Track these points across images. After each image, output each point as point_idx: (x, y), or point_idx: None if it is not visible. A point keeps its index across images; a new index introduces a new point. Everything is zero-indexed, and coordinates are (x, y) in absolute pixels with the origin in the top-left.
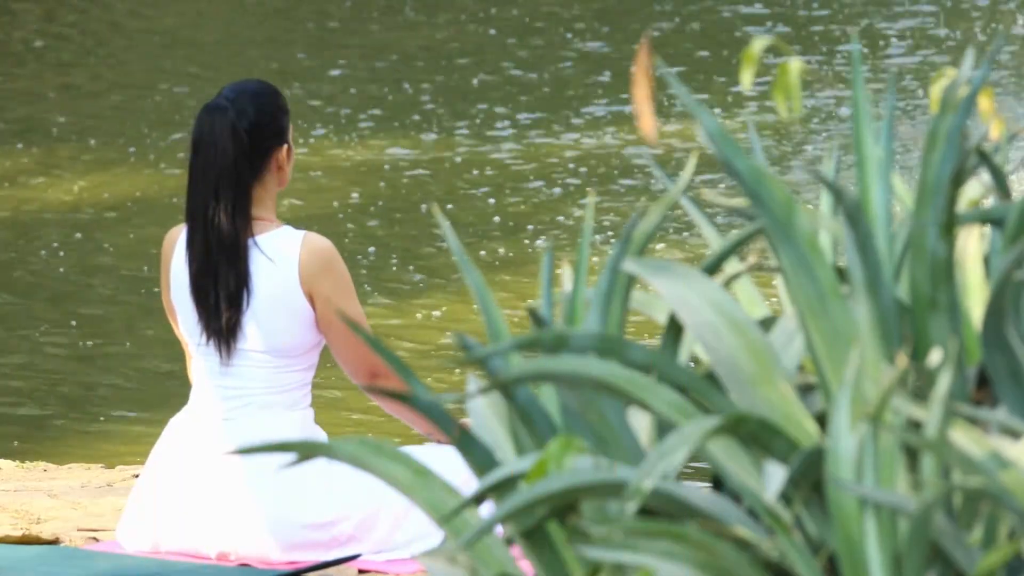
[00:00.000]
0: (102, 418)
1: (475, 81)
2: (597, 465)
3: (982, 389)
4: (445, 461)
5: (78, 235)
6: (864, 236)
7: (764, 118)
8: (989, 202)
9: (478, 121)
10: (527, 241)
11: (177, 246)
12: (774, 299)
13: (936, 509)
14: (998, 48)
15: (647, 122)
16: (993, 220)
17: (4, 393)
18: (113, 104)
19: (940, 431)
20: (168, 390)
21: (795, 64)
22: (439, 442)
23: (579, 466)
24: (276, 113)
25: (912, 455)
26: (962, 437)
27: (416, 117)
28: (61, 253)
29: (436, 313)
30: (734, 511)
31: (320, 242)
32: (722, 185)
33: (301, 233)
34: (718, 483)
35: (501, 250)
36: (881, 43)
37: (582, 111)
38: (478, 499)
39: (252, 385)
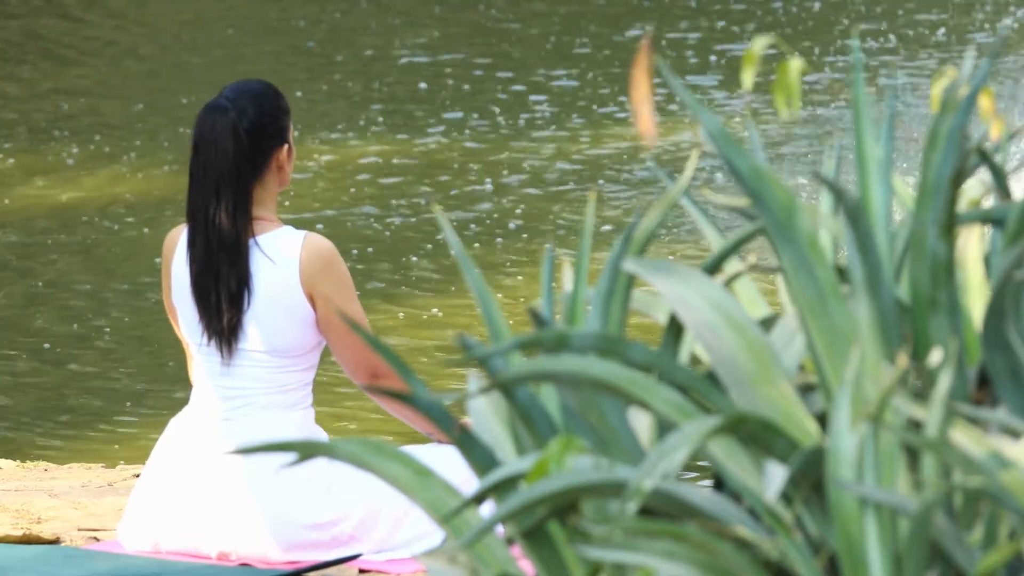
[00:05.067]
0: (103, 418)
1: (476, 80)
2: (597, 465)
3: (982, 389)
4: (446, 461)
5: (78, 235)
6: (864, 236)
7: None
8: (989, 202)
9: (478, 120)
10: (527, 241)
11: (178, 246)
12: (769, 285)
13: (936, 509)
14: (997, 48)
15: (645, 122)
16: (993, 220)
17: (5, 392)
18: (112, 105)
19: (940, 431)
20: (169, 390)
21: (795, 63)
22: (440, 442)
23: (579, 466)
24: (277, 113)
25: (912, 455)
26: (962, 437)
27: (416, 115)
28: (69, 253)
29: (436, 313)
30: (734, 511)
31: (321, 242)
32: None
33: (302, 233)
34: (718, 483)
35: (501, 250)
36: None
37: (583, 110)
38: (478, 499)
39: (253, 385)
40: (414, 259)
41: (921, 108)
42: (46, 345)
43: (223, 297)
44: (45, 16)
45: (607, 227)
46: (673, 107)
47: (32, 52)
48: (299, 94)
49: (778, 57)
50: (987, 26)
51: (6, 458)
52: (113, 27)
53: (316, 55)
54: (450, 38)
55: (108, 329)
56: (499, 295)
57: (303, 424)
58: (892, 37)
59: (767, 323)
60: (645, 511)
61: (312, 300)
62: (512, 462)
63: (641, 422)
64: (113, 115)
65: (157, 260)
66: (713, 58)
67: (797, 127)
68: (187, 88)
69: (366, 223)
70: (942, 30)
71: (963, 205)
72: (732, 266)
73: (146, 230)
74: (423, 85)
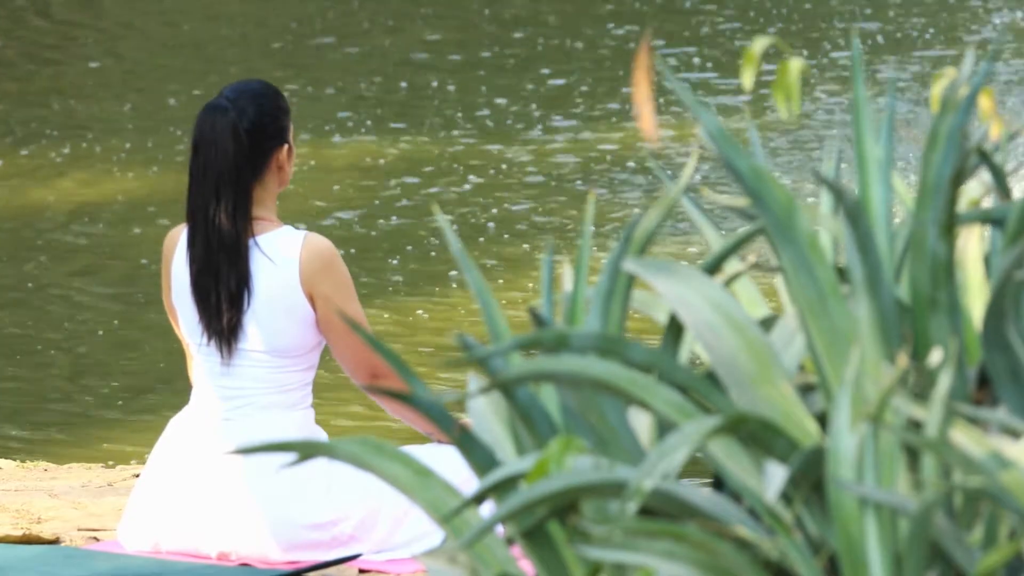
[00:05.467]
0: (102, 418)
1: (476, 80)
2: (597, 465)
3: (982, 389)
4: (446, 461)
5: (77, 234)
6: (864, 236)
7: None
8: (989, 202)
9: (477, 120)
10: (507, 242)
11: (178, 246)
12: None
13: (936, 509)
14: (998, 48)
15: (647, 121)
16: (993, 220)
17: (5, 392)
18: (100, 105)
19: (940, 431)
20: (169, 390)
21: (795, 63)
22: (440, 442)
23: (579, 466)
24: (277, 113)
25: (912, 455)
26: (962, 437)
27: (416, 115)
28: (61, 253)
29: (435, 313)
30: (734, 511)
31: (321, 243)
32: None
33: (302, 233)
34: (718, 483)
35: (501, 250)
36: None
37: (583, 110)
38: (478, 499)
39: (252, 385)
40: (413, 259)
41: (906, 108)
42: (38, 347)
43: (223, 297)
44: (31, 17)
45: (592, 228)
46: (660, 104)
47: (20, 52)
48: (286, 95)
49: (776, 57)
50: (975, 27)
51: (6, 458)
52: (100, 26)
53: (305, 55)
54: (439, 38)
55: (107, 328)
56: (498, 296)
57: (303, 424)
58: (880, 38)
59: (767, 323)
60: (645, 511)
61: (312, 300)
62: (512, 462)
63: (641, 422)
64: (101, 115)
65: (143, 261)
66: (697, 60)
67: (777, 125)
68: (176, 89)
69: (351, 223)
70: (931, 31)
71: (963, 205)
72: (732, 266)
73: (142, 229)
74: (404, 84)
